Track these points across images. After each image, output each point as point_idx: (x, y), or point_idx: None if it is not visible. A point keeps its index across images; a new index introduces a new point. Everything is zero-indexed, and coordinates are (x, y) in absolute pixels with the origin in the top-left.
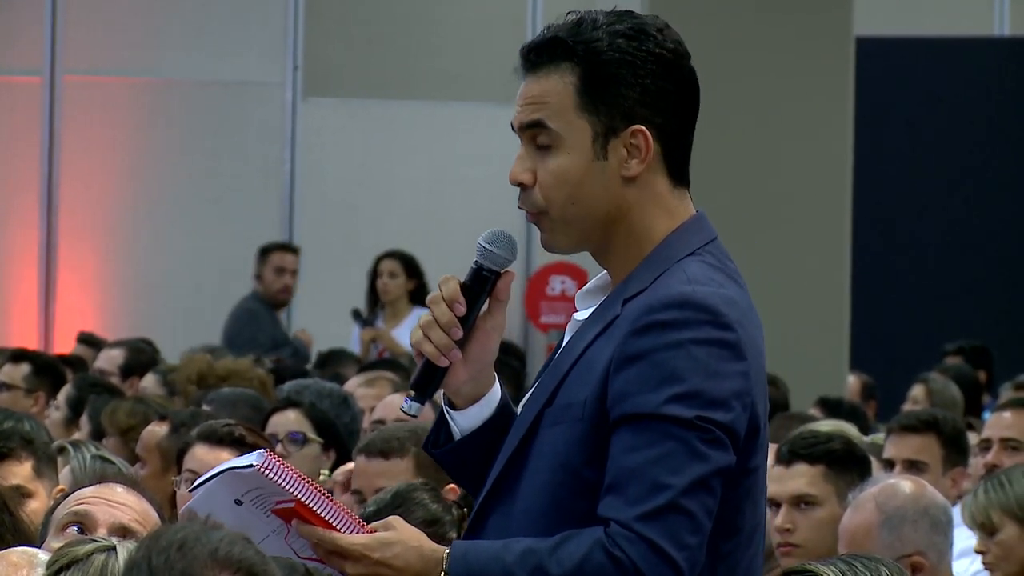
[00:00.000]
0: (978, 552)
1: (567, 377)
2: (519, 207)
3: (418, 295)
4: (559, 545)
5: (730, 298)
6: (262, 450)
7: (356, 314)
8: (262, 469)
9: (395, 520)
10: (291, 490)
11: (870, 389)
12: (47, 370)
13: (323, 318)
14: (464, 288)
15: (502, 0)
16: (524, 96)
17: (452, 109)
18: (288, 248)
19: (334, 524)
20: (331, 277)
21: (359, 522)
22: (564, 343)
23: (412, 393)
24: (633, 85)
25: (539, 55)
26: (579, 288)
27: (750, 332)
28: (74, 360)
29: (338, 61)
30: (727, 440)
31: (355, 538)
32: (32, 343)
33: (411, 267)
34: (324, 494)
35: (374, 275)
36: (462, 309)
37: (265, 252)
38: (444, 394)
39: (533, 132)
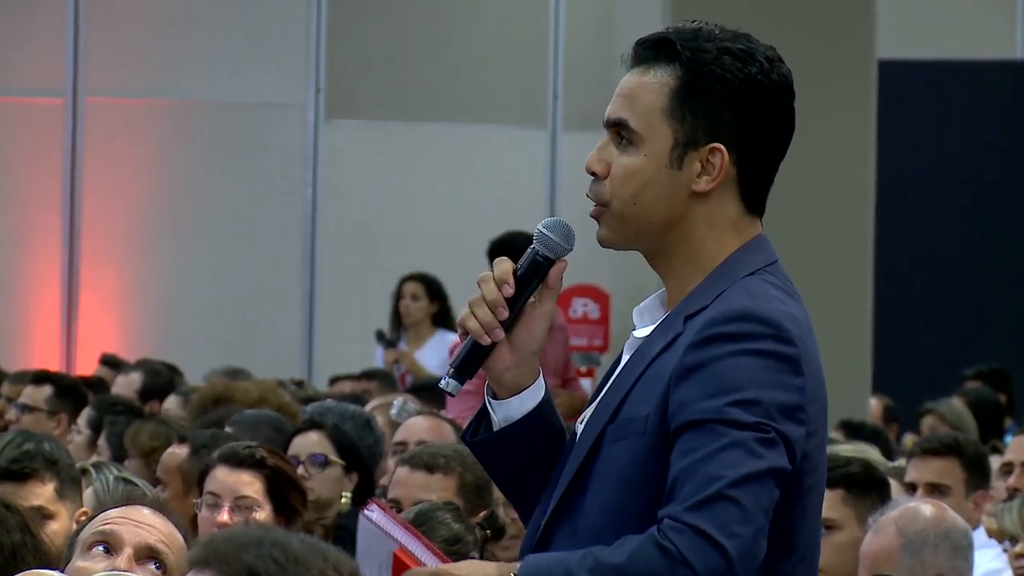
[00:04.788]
0: (1020, 555)
1: (630, 393)
2: (587, 195)
3: (441, 317)
4: (617, 545)
5: (792, 315)
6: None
7: (380, 335)
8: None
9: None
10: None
11: (892, 412)
12: (69, 392)
13: (345, 339)
14: (517, 271)
15: (523, 22)
16: (620, 88)
17: (473, 131)
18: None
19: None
20: (352, 298)
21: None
22: (623, 361)
23: (451, 370)
24: (726, 104)
25: (647, 50)
26: (601, 311)
27: (811, 351)
28: (95, 382)
29: (360, 83)
30: (783, 445)
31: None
32: (54, 364)
33: (434, 289)
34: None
35: (397, 297)
36: (510, 290)
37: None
38: (487, 384)
39: (617, 127)
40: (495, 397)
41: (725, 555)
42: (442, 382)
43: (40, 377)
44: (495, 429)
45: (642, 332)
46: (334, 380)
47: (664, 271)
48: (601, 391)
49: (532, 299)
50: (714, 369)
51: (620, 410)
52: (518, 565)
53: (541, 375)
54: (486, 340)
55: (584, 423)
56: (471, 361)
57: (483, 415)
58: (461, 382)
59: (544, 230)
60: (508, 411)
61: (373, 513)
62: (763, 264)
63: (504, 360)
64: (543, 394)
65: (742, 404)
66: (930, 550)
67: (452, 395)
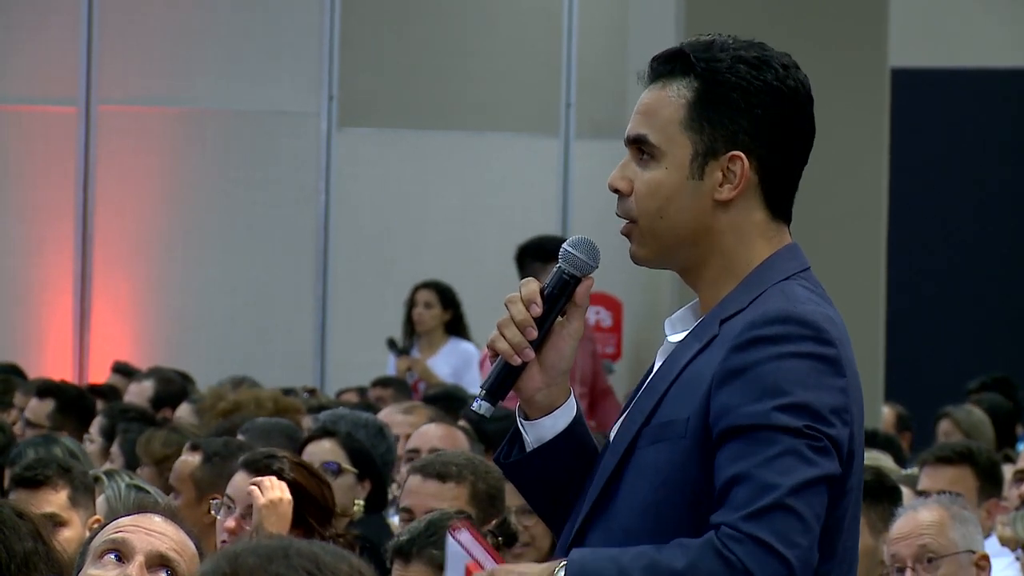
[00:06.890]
0: None
1: (665, 396)
2: (616, 214)
3: (454, 325)
4: (673, 549)
5: (829, 317)
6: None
7: (391, 343)
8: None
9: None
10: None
11: (904, 420)
12: (73, 405)
13: (357, 347)
14: (544, 291)
15: (536, 31)
16: (639, 105)
17: (486, 139)
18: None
19: None
20: (365, 306)
21: None
22: (657, 366)
23: (483, 392)
24: (744, 112)
25: (662, 64)
26: (614, 318)
27: (848, 353)
28: (107, 390)
29: (373, 91)
30: (833, 451)
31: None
32: (67, 372)
33: (447, 297)
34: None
35: (410, 305)
36: (538, 310)
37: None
38: (519, 405)
39: (637, 143)
40: (527, 418)
41: (787, 565)
42: (474, 404)
43: (44, 390)
44: (528, 450)
45: (676, 337)
46: (340, 394)
47: (697, 282)
48: (635, 398)
49: (560, 318)
50: (757, 373)
51: (655, 413)
52: (563, 562)
53: (573, 394)
54: (516, 361)
55: (618, 427)
56: (502, 382)
57: (515, 437)
58: (494, 404)
59: (569, 248)
60: (540, 431)
61: (462, 535)
62: (796, 270)
63: (535, 380)
64: (575, 413)
65: (788, 409)
66: (973, 526)
67: (484, 418)
